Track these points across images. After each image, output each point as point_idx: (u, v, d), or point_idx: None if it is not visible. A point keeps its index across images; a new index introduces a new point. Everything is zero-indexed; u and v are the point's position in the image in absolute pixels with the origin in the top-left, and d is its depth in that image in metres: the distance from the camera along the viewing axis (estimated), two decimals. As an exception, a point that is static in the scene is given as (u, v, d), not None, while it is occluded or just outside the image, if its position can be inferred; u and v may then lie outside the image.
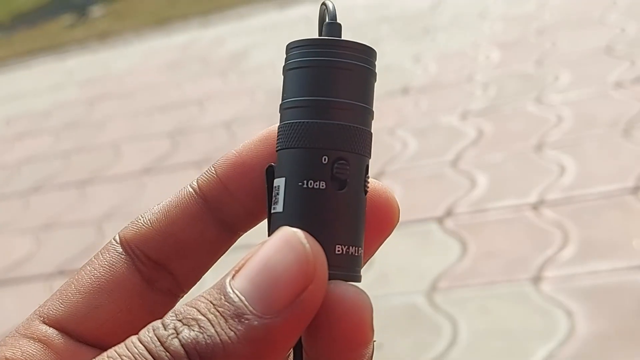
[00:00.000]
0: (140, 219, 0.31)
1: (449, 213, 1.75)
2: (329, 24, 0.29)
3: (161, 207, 0.31)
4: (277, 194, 0.28)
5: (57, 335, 0.29)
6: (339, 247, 0.27)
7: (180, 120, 3.01)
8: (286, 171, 0.28)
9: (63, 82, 4.37)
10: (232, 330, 0.24)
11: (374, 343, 0.27)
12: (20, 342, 0.28)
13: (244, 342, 0.24)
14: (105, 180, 2.61)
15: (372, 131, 0.29)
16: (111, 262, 0.30)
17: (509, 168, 1.91)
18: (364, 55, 0.28)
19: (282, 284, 0.24)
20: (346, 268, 0.27)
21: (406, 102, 2.55)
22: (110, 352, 0.24)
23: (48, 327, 0.29)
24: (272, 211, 0.28)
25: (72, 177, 2.72)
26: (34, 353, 0.28)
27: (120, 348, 0.24)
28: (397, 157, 2.13)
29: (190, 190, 0.31)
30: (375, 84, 0.29)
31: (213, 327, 0.24)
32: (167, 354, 0.24)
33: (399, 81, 2.77)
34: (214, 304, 0.24)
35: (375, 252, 0.30)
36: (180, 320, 0.24)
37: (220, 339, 0.24)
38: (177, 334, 0.24)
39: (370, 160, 0.29)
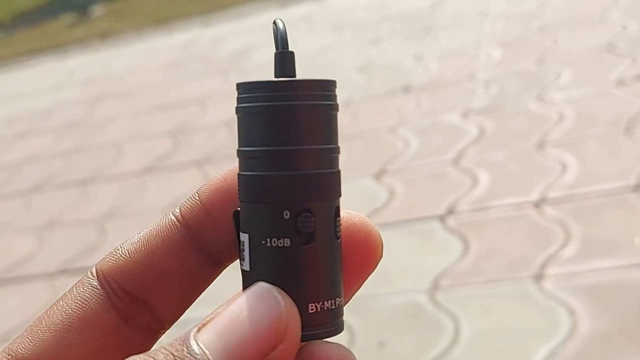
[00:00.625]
0: (118, 250, 0.29)
1: (450, 211, 1.75)
2: (281, 54, 0.27)
3: (140, 236, 0.29)
4: (243, 250, 0.26)
5: None
6: (312, 306, 0.25)
7: (181, 120, 3.01)
8: (249, 227, 0.26)
9: (64, 81, 4.37)
10: None
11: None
12: None
13: None
14: (106, 180, 2.61)
15: (339, 169, 0.26)
16: (84, 297, 0.28)
17: (510, 166, 1.91)
18: (320, 92, 0.26)
19: (250, 340, 0.23)
20: (323, 325, 0.25)
21: (407, 101, 2.55)
22: None
23: None
24: (241, 267, 0.26)
25: (73, 177, 2.72)
26: None
27: None
28: (399, 155, 2.13)
29: (172, 218, 0.29)
30: (337, 114, 0.27)
31: None
32: None
33: (400, 80, 2.77)
34: (173, 355, 0.22)
35: (359, 288, 0.28)
36: None
37: None
38: None
39: (340, 200, 0.26)
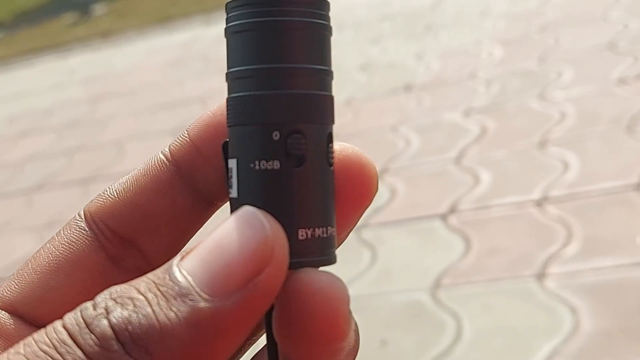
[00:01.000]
0: (106, 191, 0.28)
1: (452, 210, 1.75)
2: None
3: (129, 176, 0.28)
4: (231, 177, 0.25)
5: (8, 318, 0.26)
6: (302, 232, 0.24)
7: (183, 119, 3.01)
8: (237, 152, 0.24)
9: (65, 80, 4.38)
10: (172, 311, 0.21)
11: (355, 332, 0.24)
12: None
13: (185, 325, 0.21)
14: (108, 179, 2.61)
15: (332, 95, 0.25)
16: (72, 239, 0.27)
17: (512, 165, 1.91)
18: (313, 9, 0.24)
19: (235, 264, 0.21)
20: (313, 253, 0.24)
21: (409, 100, 2.55)
22: (28, 339, 0.21)
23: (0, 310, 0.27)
24: (229, 195, 0.25)
25: (75, 176, 2.72)
26: None
27: (39, 334, 0.21)
28: (400, 154, 2.13)
29: (161, 157, 0.28)
30: (332, 38, 0.25)
31: (150, 306, 0.21)
32: (92, 336, 0.21)
33: (401, 79, 2.77)
34: (155, 283, 0.21)
35: (354, 225, 0.27)
36: (113, 299, 0.21)
37: (158, 319, 0.21)
38: (107, 314, 0.21)
39: (333, 127, 0.25)
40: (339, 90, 0.27)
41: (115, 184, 0.28)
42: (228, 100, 0.25)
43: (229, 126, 0.25)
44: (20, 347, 0.21)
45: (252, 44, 0.24)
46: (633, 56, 2.37)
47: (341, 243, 0.27)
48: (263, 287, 0.22)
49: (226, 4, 0.25)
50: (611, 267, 1.41)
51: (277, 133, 0.24)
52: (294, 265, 0.23)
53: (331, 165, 0.25)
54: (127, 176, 0.28)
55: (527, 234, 1.59)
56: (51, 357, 0.20)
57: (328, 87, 0.25)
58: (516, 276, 1.46)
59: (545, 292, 1.39)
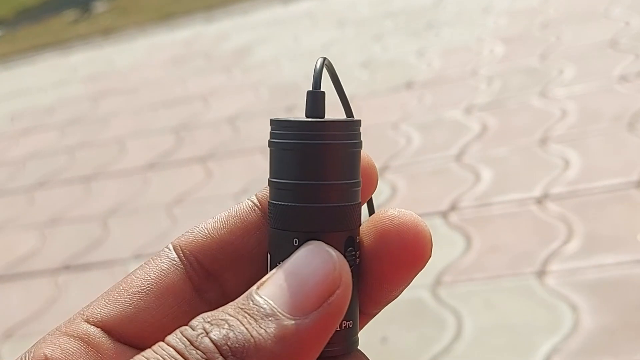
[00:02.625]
0: (196, 228, 0.30)
1: (453, 207, 1.75)
2: (312, 92, 0.29)
3: (219, 217, 0.30)
4: (267, 267, 0.29)
5: (99, 333, 0.29)
6: None
7: (185, 116, 3.02)
8: (270, 248, 0.28)
9: (67, 77, 4.38)
10: (262, 329, 0.24)
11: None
12: (61, 340, 0.28)
13: (275, 340, 0.24)
14: (110, 176, 2.61)
15: (356, 202, 0.28)
16: (163, 267, 0.30)
17: (513, 162, 1.91)
18: (345, 132, 0.28)
19: (310, 287, 0.25)
20: (330, 344, 0.27)
21: (410, 97, 2.55)
22: (138, 357, 0.24)
23: (90, 326, 0.29)
24: None
25: (77, 173, 2.72)
26: (74, 351, 0.28)
27: (148, 352, 0.24)
28: (401, 152, 2.13)
29: (250, 202, 0.30)
30: (358, 151, 0.29)
31: (243, 325, 0.24)
32: (198, 352, 0.24)
33: (403, 76, 2.77)
34: (241, 308, 0.25)
35: (407, 285, 0.30)
36: (208, 322, 0.25)
37: (252, 335, 0.24)
38: (207, 334, 0.24)
39: (358, 229, 0.29)
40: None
41: (205, 223, 0.30)
42: (268, 203, 0.29)
43: (268, 226, 0.29)
44: None
45: (287, 161, 0.28)
46: (634, 54, 2.37)
47: (395, 297, 0.30)
48: (335, 306, 0.25)
49: (271, 119, 0.29)
50: (612, 265, 1.41)
51: (297, 240, 0.27)
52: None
53: (351, 266, 0.27)
54: (217, 216, 0.30)
55: (528, 232, 1.60)
56: None
57: (353, 197, 0.29)
58: (517, 273, 1.47)
59: (546, 290, 1.39)
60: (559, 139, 1.93)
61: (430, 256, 0.29)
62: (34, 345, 0.28)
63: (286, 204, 0.28)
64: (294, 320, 0.24)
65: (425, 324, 1.41)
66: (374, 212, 0.30)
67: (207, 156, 2.51)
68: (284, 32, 4.07)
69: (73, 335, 0.28)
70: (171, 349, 0.24)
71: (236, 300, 0.25)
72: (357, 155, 0.29)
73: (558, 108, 2.12)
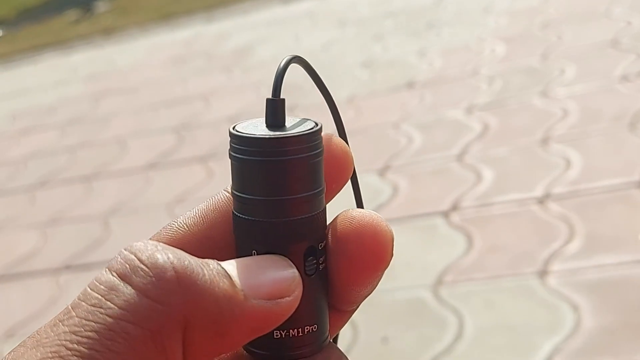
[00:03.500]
0: (174, 224, 0.29)
1: (454, 207, 1.75)
2: (271, 101, 0.29)
3: (197, 211, 0.30)
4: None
5: None
6: (276, 332, 0.28)
7: (185, 116, 3.02)
8: (236, 255, 0.29)
9: (68, 77, 4.38)
10: (217, 278, 0.25)
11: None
12: None
13: (223, 293, 0.24)
14: (110, 175, 2.61)
15: (313, 213, 0.28)
16: None
17: (514, 162, 1.91)
18: (304, 145, 0.27)
19: (268, 282, 0.26)
20: (287, 349, 0.28)
21: (411, 97, 2.55)
22: (76, 301, 0.24)
23: None
24: None
25: (77, 172, 2.72)
26: None
27: (86, 291, 0.24)
28: (402, 151, 2.13)
29: (226, 194, 0.30)
30: (322, 160, 0.28)
31: (201, 266, 0.25)
32: (145, 268, 0.24)
33: (403, 76, 2.77)
34: (201, 262, 0.25)
35: (372, 289, 0.29)
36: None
37: (206, 274, 0.25)
38: (159, 250, 0.25)
39: (322, 237, 0.28)
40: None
41: (183, 217, 0.29)
42: (232, 213, 0.29)
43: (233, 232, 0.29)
44: (70, 309, 0.24)
45: (247, 177, 0.28)
46: (636, 53, 2.37)
47: (358, 306, 0.30)
48: (280, 308, 0.26)
49: (230, 131, 0.29)
50: (613, 265, 1.41)
51: (255, 252, 0.28)
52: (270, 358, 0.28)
53: (311, 274, 0.28)
54: (195, 209, 0.30)
55: (529, 231, 1.59)
56: (101, 308, 0.24)
57: (313, 208, 0.28)
58: (518, 273, 1.47)
59: (547, 290, 1.39)
60: (560, 139, 1.93)
61: (392, 256, 0.28)
62: None
63: (245, 217, 0.28)
64: (242, 292, 0.25)
65: (426, 323, 1.41)
66: (362, 205, 0.31)
67: (207, 156, 2.51)
68: (285, 32, 4.07)
69: None
70: (113, 277, 0.24)
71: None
72: (318, 164, 0.28)
73: (559, 108, 2.12)
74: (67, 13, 6.78)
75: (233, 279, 0.25)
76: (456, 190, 1.82)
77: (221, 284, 0.25)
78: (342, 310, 0.30)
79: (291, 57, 0.29)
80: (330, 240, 0.28)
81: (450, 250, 1.59)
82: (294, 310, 0.26)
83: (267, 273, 0.26)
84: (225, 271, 0.25)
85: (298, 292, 0.26)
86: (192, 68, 3.82)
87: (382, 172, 2.03)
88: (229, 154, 0.29)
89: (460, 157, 2.00)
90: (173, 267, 0.24)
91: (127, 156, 2.76)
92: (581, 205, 1.62)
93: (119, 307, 0.23)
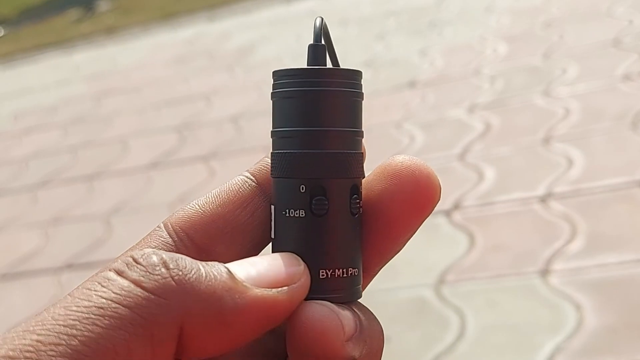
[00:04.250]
0: (188, 205, 0.30)
1: (456, 206, 1.75)
2: (313, 46, 0.29)
3: (212, 192, 0.30)
4: (272, 220, 0.29)
5: None
6: (322, 272, 0.28)
7: (187, 115, 3.02)
8: (275, 199, 0.29)
9: (70, 77, 4.38)
10: (215, 272, 0.25)
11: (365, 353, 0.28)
12: None
13: (222, 284, 0.25)
14: (112, 175, 2.61)
15: (358, 152, 0.29)
16: (151, 245, 0.29)
17: (516, 161, 1.91)
18: (346, 80, 0.29)
19: (270, 271, 0.26)
20: (331, 291, 0.28)
21: (413, 96, 2.55)
22: (75, 288, 0.25)
23: None
24: (271, 236, 0.29)
25: (80, 172, 2.72)
26: None
27: (85, 281, 0.26)
28: (404, 150, 2.13)
29: (242, 177, 0.30)
30: (363, 102, 0.29)
31: (199, 264, 0.25)
32: (140, 266, 0.25)
33: (405, 75, 2.77)
34: (200, 262, 0.26)
35: (415, 232, 0.30)
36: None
37: (203, 268, 0.25)
38: (157, 254, 0.25)
39: (362, 180, 0.29)
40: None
41: (198, 199, 0.30)
42: (271, 154, 0.29)
43: (271, 177, 0.29)
44: (68, 293, 0.25)
45: (289, 109, 0.28)
46: (638, 52, 2.36)
47: (400, 250, 0.30)
48: (285, 296, 0.26)
49: (274, 71, 0.29)
50: (615, 264, 1.41)
51: (304, 187, 0.28)
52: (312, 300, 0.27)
53: (355, 214, 0.29)
54: (210, 192, 0.30)
55: (531, 231, 1.59)
56: (95, 290, 0.24)
57: (356, 146, 0.29)
58: (520, 272, 1.46)
59: (549, 289, 1.39)
60: (562, 138, 1.93)
61: (439, 199, 0.29)
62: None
63: (290, 151, 0.28)
64: (244, 283, 0.25)
65: (428, 323, 1.41)
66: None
67: (209, 155, 2.51)
68: (287, 31, 4.07)
69: None
70: (110, 272, 0.25)
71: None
72: (358, 104, 0.29)
73: (561, 107, 2.12)
74: (69, 12, 6.79)
75: (233, 272, 0.25)
76: (458, 189, 1.82)
77: (219, 276, 0.25)
78: (368, 270, 0.30)
79: (322, 17, 0.30)
80: (377, 183, 0.29)
81: (452, 250, 1.59)
82: (302, 298, 0.26)
83: (271, 263, 0.26)
84: (225, 266, 0.25)
85: (305, 280, 0.27)
86: (194, 67, 3.82)
87: (384, 171, 2.03)
88: (271, 95, 0.29)
89: (462, 156, 1.99)
90: (166, 263, 0.25)
91: (129, 155, 2.76)
92: (583, 204, 1.62)
93: (113, 292, 0.24)
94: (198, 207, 0.30)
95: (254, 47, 3.85)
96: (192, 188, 2.29)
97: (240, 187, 0.30)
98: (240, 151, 2.45)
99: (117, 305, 0.23)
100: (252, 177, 0.30)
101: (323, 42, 0.29)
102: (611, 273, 1.39)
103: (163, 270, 0.24)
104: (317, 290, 0.27)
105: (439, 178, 0.29)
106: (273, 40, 3.94)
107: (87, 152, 2.92)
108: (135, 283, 0.24)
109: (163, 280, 0.24)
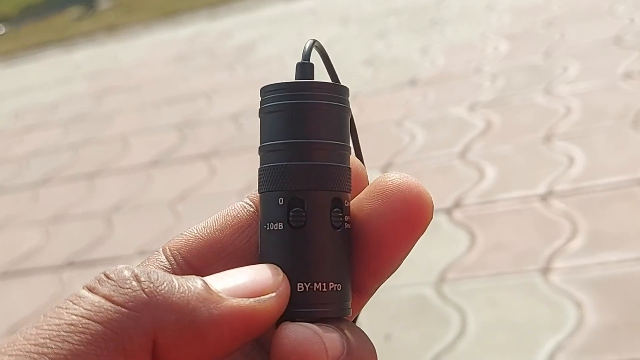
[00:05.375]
0: (187, 230, 0.30)
1: (457, 204, 1.75)
2: (301, 64, 0.29)
3: (211, 218, 0.30)
4: (258, 237, 0.29)
5: None
6: (300, 285, 0.27)
7: (188, 113, 3.02)
8: (260, 214, 0.29)
9: (71, 75, 4.38)
10: (189, 283, 0.25)
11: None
12: None
13: (195, 295, 0.25)
14: (113, 173, 2.61)
15: (340, 165, 0.28)
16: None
17: (517, 159, 1.91)
18: (331, 93, 0.28)
19: (246, 281, 0.26)
20: (310, 305, 0.27)
21: (414, 94, 2.55)
22: (53, 308, 0.25)
23: None
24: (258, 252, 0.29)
25: (80, 170, 2.72)
26: None
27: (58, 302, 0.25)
28: (405, 149, 2.13)
29: (241, 203, 0.30)
30: (347, 118, 0.29)
31: (172, 276, 0.25)
32: (111, 281, 0.25)
33: (406, 73, 2.76)
34: (177, 277, 0.26)
35: (409, 252, 0.29)
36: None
37: (176, 280, 0.25)
38: (129, 269, 0.25)
39: (347, 195, 0.28)
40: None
41: (197, 225, 0.30)
42: (258, 170, 0.29)
43: (258, 193, 0.29)
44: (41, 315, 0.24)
45: (274, 123, 0.28)
46: (639, 51, 2.36)
47: (395, 270, 0.30)
48: (263, 305, 0.25)
49: (261, 88, 0.29)
50: (616, 262, 1.41)
51: (282, 199, 0.28)
52: (292, 315, 0.27)
53: (338, 228, 0.28)
54: (209, 218, 0.30)
55: (531, 229, 1.59)
56: (65, 308, 0.24)
57: (340, 159, 0.28)
58: (521, 271, 1.46)
59: (550, 287, 1.39)
60: (563, 136, 1.93)
61: (432, 218, 0.28)
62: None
63: (273, 164, 0.28)
64: (219, 293, 0.25)
65: (429, 321, 1.41)
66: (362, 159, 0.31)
67: (210, 153, 2.51)
68: (288, 29, 4.07)
69: None
70: (82, 290, 0.25)
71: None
72: (345, 119, 0.29)
73: (562, 105, 2.12)
74: (69, 10, 6.79)
75: (208, 283, 0.25)
76: (459, 187, 1.82)
77: (193, 288, 0.25)
78: (362, 291, 0.30)
79: (314, 40, 0.30)
80: (368, 201, 0.28)
81: (453, 248, 1.59)
82: (281, 308, 0.26)
83: (248, 273, 0.26)
84: (201, 279, 0.25)
85: (284, 289, 0.26)
86: (194, 65, 3.82)
87: (385, 169, 2.03)
88: (258, 112, 0.29)
89: (463, 155, 1.99)
90: (137, 277, 0.24)
91: (129, 154, 2.76)
92: (584, 202, 1.62)
93: (84, 308, 0.24)
94: (196, 232, 0.30)
95: (255, 46, 3.85)
96: (192, 186, 2.29)
97: (238, 213, 0.30)
98: (240, 149, 2.45)
99: (87, 321, 0.23)
100: (251, 203, 0.30)
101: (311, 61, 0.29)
102: (612, 271, 1.39)
103: (134, 283, 0.24)
104: (297, 304, 0.27)
105: (431, 197, 0.28)
106: (274, 38, 3.94)
107: (87, 150, 2.92)
108: (106, 298, 0.24)
109: (134, 293, 0.24)
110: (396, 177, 0.28)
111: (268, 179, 0.28)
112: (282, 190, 0.27)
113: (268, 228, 0.28)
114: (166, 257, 0.30)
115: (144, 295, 0.24)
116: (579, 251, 1.46)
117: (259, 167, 0.29)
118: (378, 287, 0.30)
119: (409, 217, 0.28)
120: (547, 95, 2.22)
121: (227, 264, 0.29)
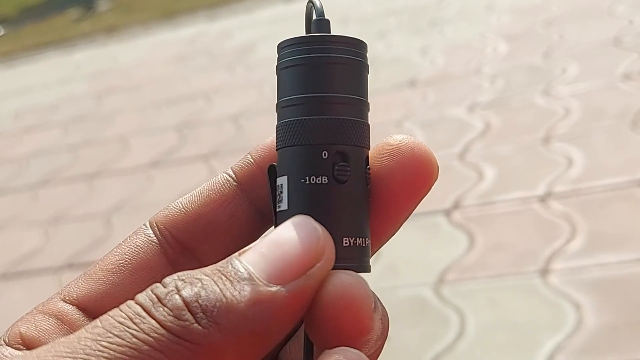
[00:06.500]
0: (172, 204, 0.31)
1: (456, 206, 1.75)
2: (318, 20, 0.29)
3: (195, 191, 0.31)
4: (281, 192, 0.28)
5: (73, 311, 0.29)
6: (346, 240, 0.27)
7: (188, 114, 3.02)
8: (287, 169, 0.28)
9: (71, 75, 4.38)
10: (237, 291, 0.24)
11: (382, 320, 0.27)
12: (36, 318, 0.30)
13: (248, 304, 0.23)
14: (113, 174, 2.62)
15: (368, 123, 0.29)
16: (137, 243, 0.30)
17: (516, 160, 1.91)
18: (355, 49, 0.29)
19: (292, 258, 0.25)
20: (354, 259, 0.27)
21: (413, 95, 2.55)
22: (104, 316, 0.24)
23: (66, 304, 0.30)
24: (278, 210, 0.28)
25: (80, 171, 2.72)
26: (47, 328, 0.29)
27: (114, 311, 0.24)
28: (405, 149, 2.13)
29: (224, 175, 0.31)
30: (368, 75, 0.30)
31: (217, 285, 0.24)
32: (166, 309, 0.23)
33: (406, 74, 2.77)
34: (219, 270, 0.24)
35: (412, 211, 0.29)
36: (182, 280, 0.24)
37: (225, 295, 0.24)
38: (178, 291, 0.24)
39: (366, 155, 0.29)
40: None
41: (181, 198, 0.30)
42: (278, 126, 0.28)
43: (278, 149, 0.28)
44: (97, 321, 0.23)
45: (302, 76, 0.28)
46: (638, 52, 2.36)
47: (396, 231, 0.30)
48: (315, 279, 0.25)
49: (278, 44, 0.29)
50: (615, 263, 1.41)
51: (326, 152, 0.27)
52: (336, 269, 0.26)
53: (368, 184, 0.28)
54: (193, 191, 0.31)
55: (531, 230, 1.59)
56: (127, 327, 0.23)
57: (366, 116, 0.29)
58: (520, 272, 1.47)
59: (549, 288, 1.39)
60: (563, 137, 1.93)
61: (437, 178, 0.29)
62: (12, 324, 0.29)
63: (309, 117, 0.27)
64: (270, 287, 0.24)
65: (428, 322, 1.41)
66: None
67: (210, 154, 2.51)
68: (287, 30, 4.07)
69: (48, 313, 0.29)
70: (138, 307, 0.23)
71: (216, 264, 0.25)
72: (362, 73, 0.29)
73: (561, 106, 2.12)
74: (69, 11, 6.79)
75: (254, 278, 0.24)
76: (458, 188, 1.82)
77: (242, 298, 0.24)
78: (372, 243, 0.30)
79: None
80: (376, 160, 0.29)
81: (452, 249, 1.59)
82: (329, 270, 0.25)
83: (290, 248, 0.25)
84: (247, 271, 0.24)
85: (329, 251, 0.26)
86: (194, 66, 3.82)
87: (385, 170, 2.03)
88: (279, 66, 0.29)
89: (462, 156, 2.00)
90: (189, 306, 0.24)
91: (129, 154, 2.76)
92: (583, 203, 1.62)
93: (144, 332, 0.23)
94: (181, 206, 0.30)
95: (255, 46, 3.85)
96: (192, 187, 2.27)
97: (221, 187, 0.30)
98: (240, 150, 2.45)
99: (149, 348, 0.23)
100: (233, 176, 0.30)
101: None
102: (611, 272, 1.39)
103: (188, 316, 0.23)
104: (340, 258, 0.26)
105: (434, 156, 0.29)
106: (273, 39, 3.93)
107: (87, 151, 2.92)
108: (163, 326, 0.23)
109: (191, 326, 0.23)
110: (404, 137, 0.29)
111: (303, 132, 0.27)
112: (324, 144, 0.27)
113: (307, 182, 0.27)
114: (153, 232, 0.30)
115: (200, 327, 0.23)
116: (579, 252, 1.47)
117: (282, 121, 0.28)
118: (377, 250, 0.30)
119: (417, 176, 0.29)
120: (547, 96, 2.23)
121: (214, 239, 0.29)
